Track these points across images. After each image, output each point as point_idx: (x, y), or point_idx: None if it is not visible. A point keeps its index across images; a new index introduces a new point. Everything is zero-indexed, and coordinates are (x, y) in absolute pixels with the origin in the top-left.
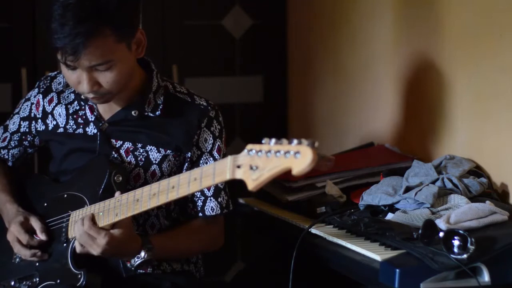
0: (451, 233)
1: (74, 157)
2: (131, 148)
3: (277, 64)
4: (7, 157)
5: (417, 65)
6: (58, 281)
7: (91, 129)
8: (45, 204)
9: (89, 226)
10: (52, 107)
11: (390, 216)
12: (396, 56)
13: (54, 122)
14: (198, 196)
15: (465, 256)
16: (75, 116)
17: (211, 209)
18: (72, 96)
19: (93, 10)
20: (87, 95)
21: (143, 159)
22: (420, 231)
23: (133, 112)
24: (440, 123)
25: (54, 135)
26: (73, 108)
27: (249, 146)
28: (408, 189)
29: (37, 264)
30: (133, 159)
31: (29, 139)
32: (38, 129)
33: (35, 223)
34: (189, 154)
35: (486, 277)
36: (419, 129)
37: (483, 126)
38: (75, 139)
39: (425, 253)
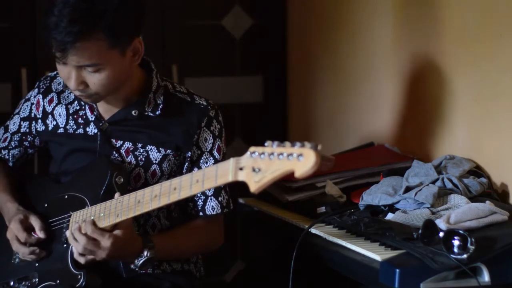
0: (451, 233)
1: (75, 157)
2: (131, 148)
3: (277, 64)
4: (7, 157)
5: (417, 65)
6: (58, 281)
7: (92, 129)
8: (46, 205)
9: (92, 230)
10: (52, 107)
11: (390, 216)
12: (396, 56)
13: (54, 122)
14: (199, 195)
15: (465, 256)
16: (75, 116)
17: (211, 209)
18: (72, 96)
19: (89, 13)
20: (74, 92)
21: (143, 159)
22: (420, 231)
23: (133, 112)
24: (440, 123)
25: (54, 135)
26: (73, 108)
27: (252, 149)
28: (408, 189)
29: (37, 264)
30: (133, 159)
31: (29, 139)
32: (38, 129)
33: (34, 221)
34: (189, 154)
35: (486, 277)
36: (419, 129)
37: (483, 126)
38: (75, 139)
39: (425, 253)
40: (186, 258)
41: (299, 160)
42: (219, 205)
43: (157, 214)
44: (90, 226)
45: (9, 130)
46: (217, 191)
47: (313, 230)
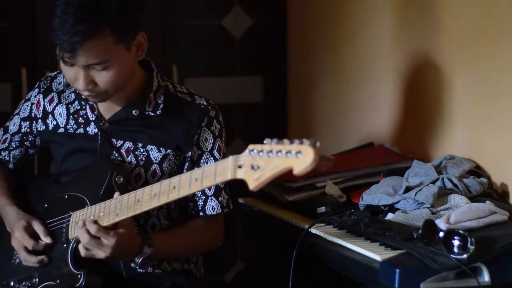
0: (451, 233)
1: (75, 157)
2: (132, 148)
3: (277, 64)
4: (8, 158)
5: (417, 65)
6: (58, 281)
7: (92, 129)
8: (46, 205)
9: (97, 229)
10: (53, 107)
11: (390, 216)
12: (396, 56)
13: (55, 122)
14: (199, 195)
15: (465, 256)
16: (75, 116)
17: (212, 209)
18: (73, 95)
19: (94, 10)
20: (82, 92)
21: (143, 159)
22: (420, 231)
23: (133, 112)
24: (440, 123)
25: (54, 135)
26: (73, 107)
27: (251, 146)
28: (408, 189)
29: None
30: (134, 158)
31: (30, 139)
32: (39, 129)
33: (37, 227)
34: (189, 154)
35: (486, 277)
36: (419, 129)
37: (483, 126)
38: (76, 139)
39: (425, 253)
40: (186, 257)
41: (298, 157)
42: (219, 205)
43: (157, 214)
44: (94, 226)
45: (9, 131)
46: (218, 191)
47: (313, 230)
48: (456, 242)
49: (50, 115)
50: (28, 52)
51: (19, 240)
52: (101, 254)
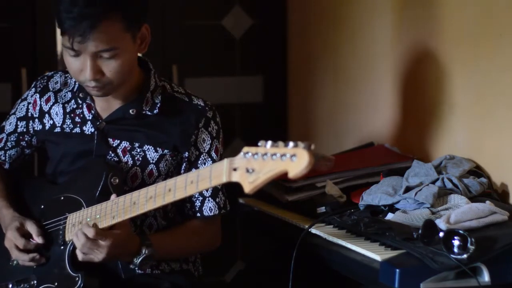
0: (451, 233)
1: (71, 157)
2: (128, 148)
3: (277, 64)
4: (3, 158)
5: (417, 65)
6: (56, 284)
7: (88, 128)
8: (42, 207)
9: (95, 232)
10: (49, 106)
11: (390, 216)
12: (396, 56)
13: (51, 122)
14: (197, 196)
15: (465, 256)
16: (72, 115)
17: (209, 210)
18: (69, 95)
19: None
20: (88, 83)
21: (140, 159)
22: (420, 231)
23: (131, 111)
24: (440, 123)
25: (50, 135)
26: (70, 106)
27: (245, 149)
28: (408, 189)
29: (35, 266)
30: (130, 158)
31: (26, 139)
32: (36, 128)
33: (30, 227)
34: (186, 154)
35: (486, 277)
36: (419, 129)
37: (483, 126)
38: (72, 138)
39: (425, 253)
40: (185, 258)
41: (293, 160)
42: (216, 206)
43: (154, 214)
44: (92, 230)
45: (5, 131)
46: (215, 192)
47: (313, 230)
48: (456, 242)
49: (46, 115)
50: (28, 52)
51: (11, 240)
52: (98, 255)
